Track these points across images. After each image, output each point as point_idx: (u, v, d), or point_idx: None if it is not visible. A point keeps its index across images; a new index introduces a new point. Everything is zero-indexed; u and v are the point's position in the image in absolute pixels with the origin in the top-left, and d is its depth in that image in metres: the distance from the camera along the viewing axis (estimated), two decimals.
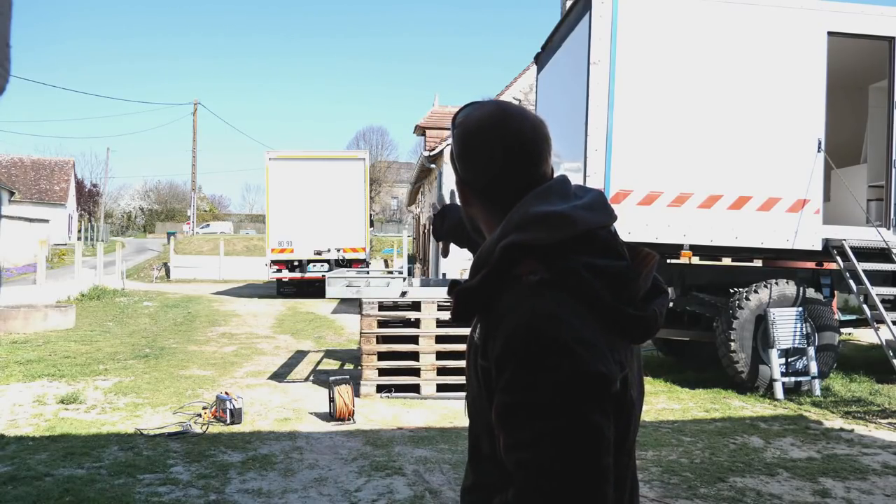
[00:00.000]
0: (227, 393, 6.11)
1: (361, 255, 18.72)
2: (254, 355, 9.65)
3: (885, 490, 4.59)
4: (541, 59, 9.90)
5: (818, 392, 7.33)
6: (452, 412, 6.45)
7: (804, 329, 7.44)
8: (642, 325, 1.13)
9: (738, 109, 7.54)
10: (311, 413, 6.37)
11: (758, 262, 8.75)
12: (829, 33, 7.58)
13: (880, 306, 7.06)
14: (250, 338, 11.44)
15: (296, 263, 18.86)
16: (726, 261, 9.02)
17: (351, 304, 15.48)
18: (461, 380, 6.91)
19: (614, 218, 1.19)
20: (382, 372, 7.12)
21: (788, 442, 5.69)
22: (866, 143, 9.32)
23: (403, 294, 7.17)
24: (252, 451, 5.15)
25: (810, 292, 7.68)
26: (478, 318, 1.20)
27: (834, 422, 6.39)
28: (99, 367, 8.34)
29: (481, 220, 1.28)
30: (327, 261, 18.51)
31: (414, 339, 7.09)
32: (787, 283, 7.65)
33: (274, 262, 18.85)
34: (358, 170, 19.00)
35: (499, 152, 1.20)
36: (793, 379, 7.43)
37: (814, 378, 7.37)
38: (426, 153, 19.20)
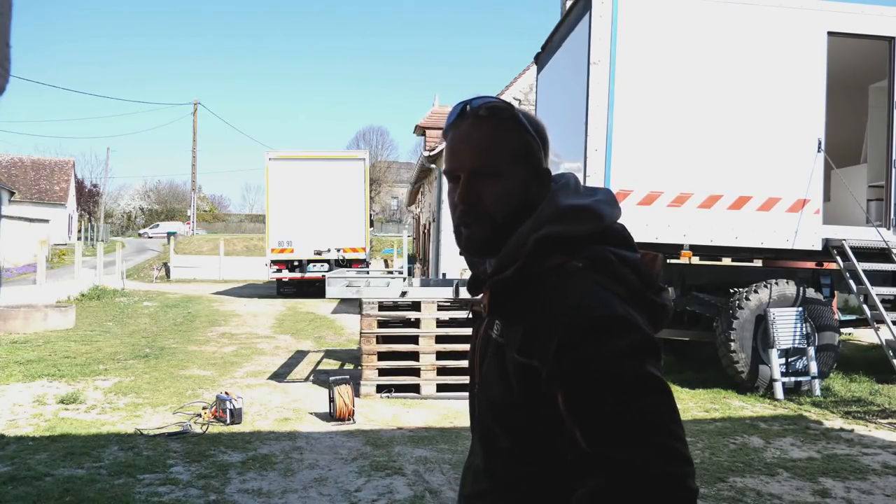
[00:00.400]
0: (227, 393, 6.11)
1: (361, 255, 18.73)
2: (254, 355, 9.65)
3: (885, 490, 4.59)
4: (541, 59, 9.90)
5: (818, 392, 7.33)
6: (452, 412, 6.45)
7: (804, 329, 7.44)
8: (664, 312, 1.20)
9: (738, 109, 7.54)
10: (311, 413, 6.37)
11: (758, 262, 8.75)
12: (829, 33, 7.58)
13: (880, 306, 7.06)
14: (250, 338, 11.44)
15: (296, 263, 18.86)
16: (726, 261, 9.02)
17: (351, 304, 15.48)
18: (461, 380, 6.91)
19: (620, 214, 1.26)
20: (382, 372, 7.12)
21: (788, 442, 5.69)
22: (866, 143, 9.32)
23: (403, 294, 7.17)
24: (252, 451, 5.15)
25: (810, 292, 7.68)
26: (497, 316, 1.20)
27: (834, 422, 6.39)
28: (99, 367, 8.34)
29: (507, 205, 1.20)
30: (327, 261, 18.52)
31: (414, 339, 7.09)
32: (787, 283, 7.65)
33: (274, 262, 18.85)
34: (358, 170, 19.01)
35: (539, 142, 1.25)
36: (793, 379, 7.43)
37: (814, 378, 7.37)
38: (426, 153, 19.17)
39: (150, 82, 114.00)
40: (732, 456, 5.25)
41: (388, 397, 6.99)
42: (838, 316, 9.78)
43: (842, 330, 8.50)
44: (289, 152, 19.57)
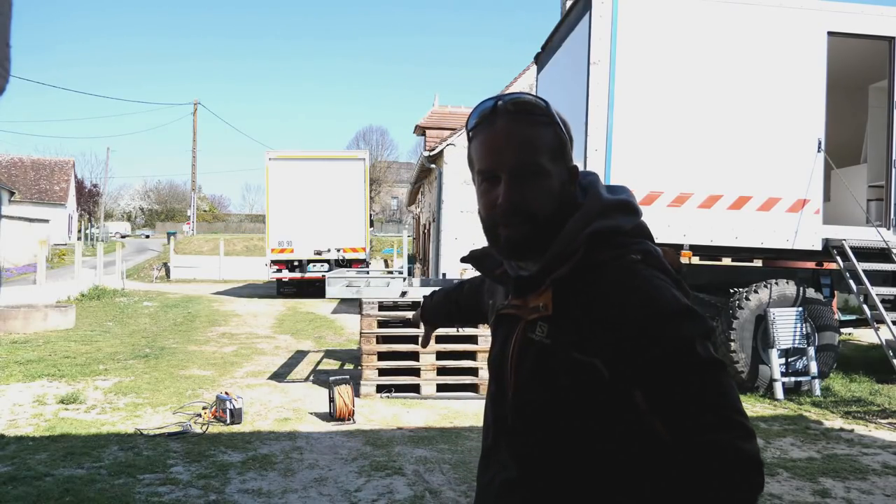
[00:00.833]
0: (227, 393, 6.10)
1: (361, 255, 18.72)
2: (254, 355, 9.65)
3: (885, 490, 4.59)
4: (541, 59, 9.90)
5: (818, 392, 7.33)
6: (452, 412, 6.45)
7: (804, 329, 7.44)
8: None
9: (738, 109, 7.54)
10: (311, 413, 6.37)
11: (758, 262, 8.75)
12: (829, 33, 7.58)
13: (880, 306, 7.06)
14: (250, 338, 11.44)
15: (296, 263, 18.86)
16: (726, 261, 9.01)
17: (351, 304, 15.48)
18: (461, 380, 6.91)
19: None
20: (382, 372, 7.12)
21: (788, 442, 5.69)
22: (866, 143, 9.32)
23: (403, 294, 7.16)
24: (252, 451, 5.15)
25: (810, 292, 7.68)
26: (561, 315, 1.15)
27: (834, 422, 6.39)
28: (99, 367, 8.33)
29: (550, 204, 1.19)
30: (327, 261, 18.52)
31: (414, 339, 7.08)
32: (787, 283, 7.65)
33: (274, 262, 18.85)
34: (358, 170, 19.00)
35: None
36: (793, 379, 7.43)
37: (814, 378, 7.37)
38: (426, 153, 19.16)
39: (150, 82, 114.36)
40: None
41: (388, 397, 6.99)
42: (838, 316, 9.78)
43: (842, 330, 8.50)
44: (289, 152, 19.56)
